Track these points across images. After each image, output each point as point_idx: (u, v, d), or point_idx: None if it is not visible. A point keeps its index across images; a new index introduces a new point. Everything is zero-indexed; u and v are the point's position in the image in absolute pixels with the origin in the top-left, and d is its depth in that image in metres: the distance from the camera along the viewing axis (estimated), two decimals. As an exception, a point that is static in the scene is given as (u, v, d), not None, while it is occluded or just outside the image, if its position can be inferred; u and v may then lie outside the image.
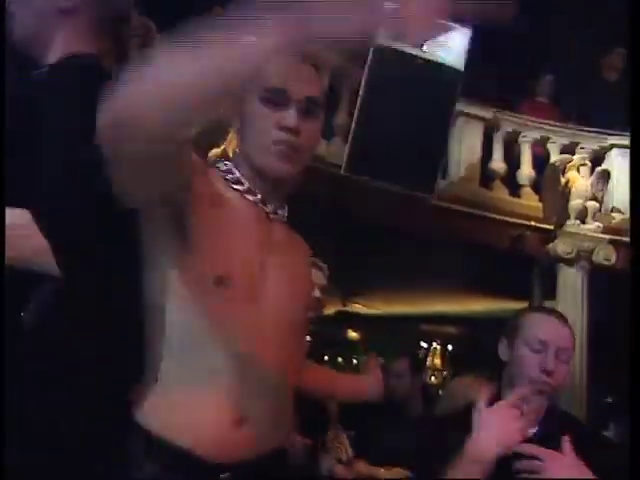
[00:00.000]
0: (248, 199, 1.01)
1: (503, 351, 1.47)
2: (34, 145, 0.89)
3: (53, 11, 1.06)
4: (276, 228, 1.04)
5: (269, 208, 1.03)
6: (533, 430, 1.35)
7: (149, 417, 0.91)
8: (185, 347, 0.92)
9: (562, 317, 1.45)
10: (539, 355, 1.36)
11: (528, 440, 1.28)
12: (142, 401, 0.93)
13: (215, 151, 1.12)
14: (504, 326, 1.51)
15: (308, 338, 1.41)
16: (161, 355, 0.92)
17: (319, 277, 2.17)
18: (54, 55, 1.05)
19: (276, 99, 0.97)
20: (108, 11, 1.10)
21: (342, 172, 4.22)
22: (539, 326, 1.40)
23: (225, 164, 1.04)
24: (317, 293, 2.20)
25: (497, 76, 5.66)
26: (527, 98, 5.58)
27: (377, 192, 4.26)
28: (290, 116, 0.96)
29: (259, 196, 1.01)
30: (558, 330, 1.40)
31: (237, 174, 1.02)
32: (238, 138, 1.04)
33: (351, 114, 4.34)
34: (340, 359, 10.39)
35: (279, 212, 1.05)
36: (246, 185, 1.01)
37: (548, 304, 4.63)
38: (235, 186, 1.01)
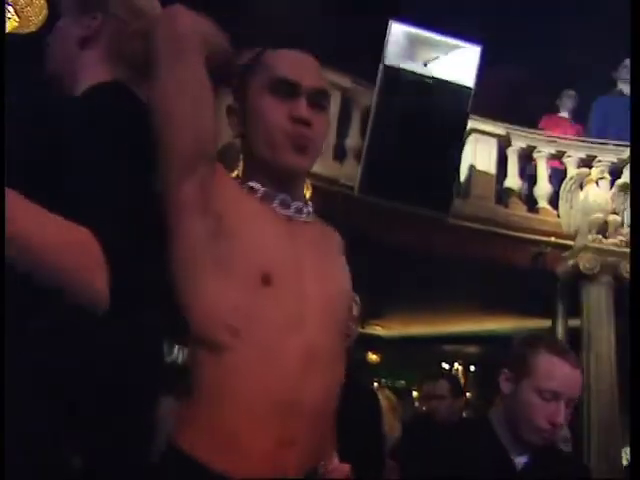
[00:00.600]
0: (266, 206, 0.97)
1: (506, 384, 1.41)
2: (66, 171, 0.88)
3: (73, 41, 1.08)
4: (301, 229, 1.00)
5: (291, 210, 0.99)
6: (524, 459, 1.35)
7: (192, 443, 0.86)
8: (229, 370, 0.87)
9: (574, 360, 1.37)
10: (549, 405, 1.32)
11: (517, 469, 1.33)
12: (184, 427, 0.89)
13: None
14: (508, 355, 1.45)
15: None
16: (204, 378, 0.88)
17: None
18: (80, 88, 1.04)
19: (286, 89, 0.96)
20: (123, 36, 1.09)
21: (356, 193, 4.19)
22: (552, 375, 1.33)
23: (237, 177, 1.02)
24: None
25: (514, 92, 5.62)
26: (548, 114, 5.52)
27: (392, 213, 4.22)
28: (302, 106, 0.95)
29: (277, 201, 0.98)
30: (571, 380, 1.34)
31: (249, 183, 0.98)
32: (245, 146, 1.01)
33: (363, 135, 4.33)
34: (361, 383, 10.24)
35: (304, 210, 1.01)
36: (260, 191, 0.98)
37: (572, 322, 4.51)
38: (251, 195, 0.97)
